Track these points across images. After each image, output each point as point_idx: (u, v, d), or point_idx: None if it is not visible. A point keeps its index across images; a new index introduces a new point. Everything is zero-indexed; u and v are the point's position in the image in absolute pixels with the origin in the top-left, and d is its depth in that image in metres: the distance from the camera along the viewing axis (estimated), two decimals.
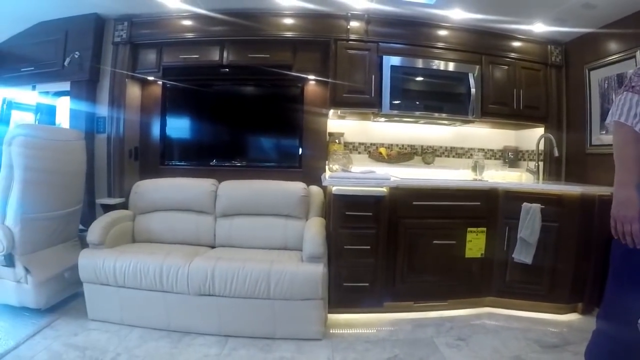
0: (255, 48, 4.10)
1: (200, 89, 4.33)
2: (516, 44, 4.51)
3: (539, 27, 4.25)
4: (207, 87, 4.34)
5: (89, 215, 3.93)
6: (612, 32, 3.99)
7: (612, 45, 3.96)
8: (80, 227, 3.74)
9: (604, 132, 3.99)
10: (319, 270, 3.08)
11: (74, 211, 3.62)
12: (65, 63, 4.02)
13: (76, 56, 4.02)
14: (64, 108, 4.29)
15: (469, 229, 3.73)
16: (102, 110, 4.17)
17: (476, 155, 4.90)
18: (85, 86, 4.08)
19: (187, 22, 4.09)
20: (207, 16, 4.02)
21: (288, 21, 4.09)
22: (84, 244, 3.39)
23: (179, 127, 4.47)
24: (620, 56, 3.87)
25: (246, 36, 4.07)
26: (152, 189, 3.89)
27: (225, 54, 4.10)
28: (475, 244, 3.68)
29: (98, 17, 4.10)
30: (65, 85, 4.14)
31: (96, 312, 3.21)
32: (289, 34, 4.08)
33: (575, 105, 4.48)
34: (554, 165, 4.63)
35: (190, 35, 4.09)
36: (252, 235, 3.75)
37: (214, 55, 4.10)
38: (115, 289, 3.14)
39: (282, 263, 3.15)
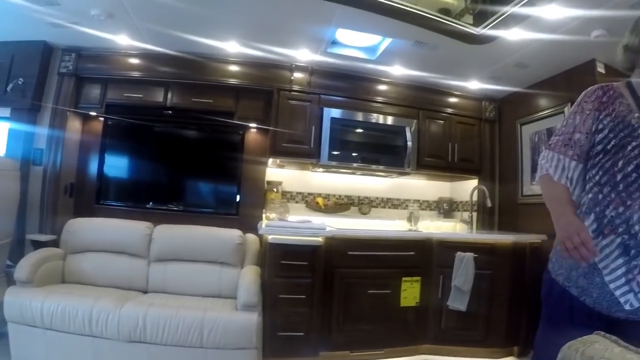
0: (199, 92, 4.32)
1: (141, 129, 4.46)
2: (452, 99, 5.09)
3: (475, 85, 4.84)
4: (149, 128, 4.48)
5: (17, 250, 3.88)
6: (542, 90, 4.60)
7: (543, 102, 4.56)
8: (8, 262, 3.70)
9: (534, 182, 4.44)
10: (254, 319, 3.23)
11: (2, 245, 3.58)
12: (8, 88, 4.02)
13: (20, 82, 4.03)
14: (1, 135, 4.24)
15: (404, 278, 4.00)
16: (41, 141, 4.16)
17: (412, 206, 5.34)
18: (26, 114, 4.10)
19: (135, 61, 4.27)
20: (155, 56, 4.21)
21: (233, 68, 4.36)
22: (10, 281, 3.39)
23: (118, 166, 4.53)
24: (550, 112, 4.41)
25: (191, 80, 4.28)
26: (85, 228, 3.94)
27: (169, 96, 4.31)
28: (411, 292, 3.97)
29: (46, 45, 4.16)
30: (6, 112, 4.13)
31: (21, 354, 3.16)
32: (233, 81, 4.35)
33: (507, 157, 4.96)
34: (487, 215, 5.13)
35: (136, 73, 4.25)
36: (187, 282, 3.87)
37: (158, 97, 4.29)
38: (42, 331, 3.12)
39: (216, 311, 3.28)
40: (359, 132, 4.64)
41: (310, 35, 3.87)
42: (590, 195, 1.63)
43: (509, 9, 3.28)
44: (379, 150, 4.67)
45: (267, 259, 3.73)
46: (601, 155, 1.64)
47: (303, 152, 4.37)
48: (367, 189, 5.17)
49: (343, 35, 3.99)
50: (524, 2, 3.16)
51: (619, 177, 1.57)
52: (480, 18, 3.56)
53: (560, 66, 4.17)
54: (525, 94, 4.76)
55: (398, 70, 4.57)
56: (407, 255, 4.03)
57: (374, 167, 4.64)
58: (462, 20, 3.63)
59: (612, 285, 1.53)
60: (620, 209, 1.54)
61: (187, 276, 3.90)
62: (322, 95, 4.49)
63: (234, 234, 4.05)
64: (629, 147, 1.58)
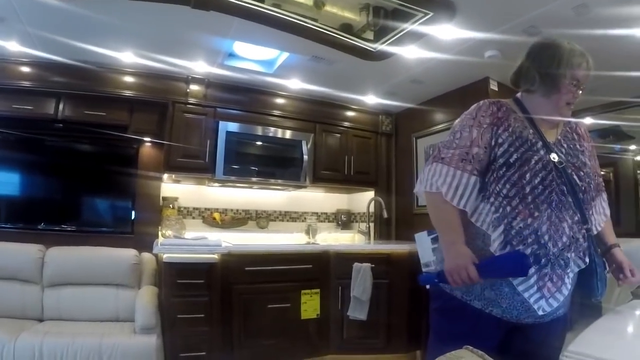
0: (92, 104, 4.29)
1: (32, 143, 4.33)
2: (350, 113, 5.60)
3: (372, 99, 5.36)
4: (39, 142, 4.37)
5: None
6: (438, 105, 5.16)
7: (438, 116, 5.15)
8: None
9: (416, 191, 4.77)
10: (152, 341, 3.36)
11: None
12: None
13: None
14: None
15: (303, 291, 4.31)
16: None
17: (310, 218, 5.76)
18: None
19: (25, 69, 4.17)
20: (46, 65, 4.15)
21: (128, 79, 4.43)
22: None
23: (6, 183, 4.37)
24: (444, 126, 4.98)
25: (84, 91, 4.25)
26: None
27: (60, 108, 4.22)
28: (311, 305, 4.20)
29: None
30: None
31: None
32: (127, 93, 4.41)
33: (403, 170, 5.41)
34: (384, 226, 5.67)
35: (26, 83, 4.16)
36: (83, 307, 3.86)
37: (49, 109, 4.20)
38: None
39: (113, 336, 3.37)
40: (255, 146, 4.96)
41: (207, 47, 4.03)
42: (497, 209, 1.71)
43: (406, 27, 3.64)
44: (276, 164, 5.02)
45: (163, 278, 3.88)
46: (505, 169, 1.73)
47: (198, 167, 4.55)
48: (265, 202, 5.46)
49: (240, 48, 4.27)
50: (421, 21, 3.52)
51: (527, 189, 1.68)
52: (380, 34, 3.79)
53: (455, 83, 4.71)
54: (421, 109, 5.28)
55: (295, 84, 4.95)
56: (305, 268, 4.34)
57: (271, 181, 5.00)
58: (364, 36, 3.84)
59: (526, 294, 1.64)
60: (529, 220, 1.65)
61: (83, 301, 3.88)
62: (218, 109, 4.73)
63: (129, 253, 4.09)
64: (533, 161, 1.71)
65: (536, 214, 1.66)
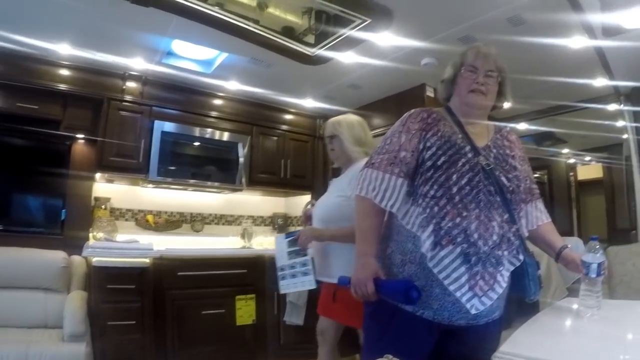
0: (24, 96, 4.16)
1: None
2: (287, 116, 5.77)
3: (310, 103, 5.54)
4: None
5: None
6: (375, 110, 5.36)
7: (375, 121, 5.33)
8: None
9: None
10: (82, 350, 3.32)
11: None
12: None
13: None
14: None
15: (237, 296, 4.42)
16: None
17: (245, 222, 5.85)
18: None
19: None
20: None
21: (63, 72, 4.33)
22: None
23: None
24: (381, 131, 5.07)
25: (17, 81, 4.10)
26: None
27: None
28: (246, 310, 4.28)
29: None
30: None
31: None
32: (62, 86, 4.31)
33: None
34: None
35: None
36: (9, 312, 3.69)
37: None
38: None
39: (41, 344, 3.29)
40: (191, 147, 5.02)
41: (145, 44, 4.05)
42: (425, 210, 1.76)
43: (344, 32, 3.82)
44: (212, 166, 5.10)
45: (92, 283, 3.86)
46: (432, 171, 1.80)
47: (132, 167, 4.53)
48: (200, 205, 5.50)
49: (179, 46, 4.32)
50: (359, 27, 3.70)
51: (454, 189, 1.75)
52: (321, 38, 3.93)
53: (392, 89, 4.94)
54: (358, 114, 5.37)
55: (234, 86, 5.05)
56: (240, 273, 4.46)
57: (207, 183, 5.06)
58: (305, 39, 3.98)
59: (458, 294, 1.68)
60: (457, 220, 1.71)
61: (9, 306, 3.72)
62: (154, 107, 4.73)
63: (58, 256, 3.96)
64: (460, 163, 1.80)
65: (464, 213, 1.72)
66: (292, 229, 5.93)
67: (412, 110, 2.03)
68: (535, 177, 7.70)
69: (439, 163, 1.81)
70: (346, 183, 2.76)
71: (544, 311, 2.21)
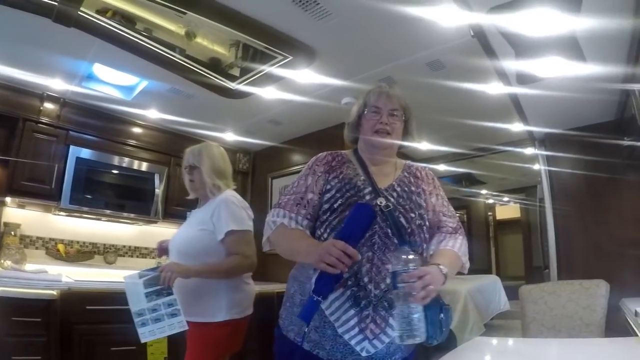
0: None
1: None
2: None
3: (230, 136, 5.68)
4: None
5: None
6: (295, 146, 5.61)
7: (295, 157, 5.44)
8: None
9: (266, 248, 5.14)
10: None
11: None
12: None
13: None
14: None
15: None
16: None
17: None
18: None
19: None
20: None
21: None
22: None
23: None
24: (300, 167, 5.27)
25: None
26: None
27: None
28: (157, 347, 4.20)
29: None
30: None
31: None
32: None
33: (258, 209, 5.55)
34: None
35: None
36: None
37: None
38: None
39: None
40: (106, 176, 4.98)
41: (65, 66, 4.08)
42: None
43: (264, 68, 4.01)
44: (127, 196, 5.08)
45: None
46: (328, 214, 1.87)
47: (43, 193, 4.44)
48: (114, 236, 5.43)
49: (101, 70, 4.35)
50: (281, 63, 3.90)
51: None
52: (245, 72, 4.08)
53: (313, 126, 5.13)
54: (279, 149, 5.68)
55: (154, 114, 5.12)
56: None
57: (122, 214, 5.04)
58: (231, 72, 4.12)
59: (346, 336, 1.72)
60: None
61: None
62: (70, 132, 4.68)
63: None
64: None
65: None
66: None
67: (320, 154, 2.11)
68: None
69: (335, 206, 1.88)
70: (208, 216, 2.75)
71: (461, 347, 2.37)
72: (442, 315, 1.77)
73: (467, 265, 2.01)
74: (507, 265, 11.68)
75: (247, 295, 2.95)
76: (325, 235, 1.86)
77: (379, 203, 1.86)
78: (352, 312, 1.74)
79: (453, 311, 6.65)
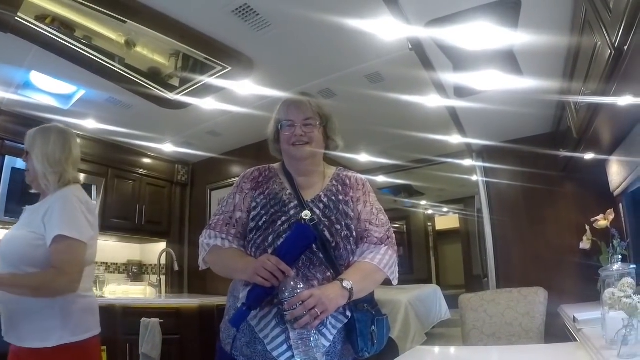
0: None
1: None
2: (146, 160, 5.89)
3: (169, 147, 5.72)
4: None
5: None
6: (234, 157, 5.66)
7: (234, 169, 5.51)
8: None
9: (202, 266, 5.16)
10: None
11: None
12: None
13: None
14: None
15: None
16: None
17: (98, 269, 5.64)
18: None
19: None
20: None
21: None
22: None
23: None
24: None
25: None
26: None
27: None
28: None
29: None
30: None
31: None
32: None
33: (197, 221, 5.71)
34: (176, 278, 5.94)
35: None
36: None
37: None
38: None
39: None
40: None
41: (1, 73, 3.97)
42: None
43: (203, 79, 4.04)
44: None
45: None
46: (254, 232, 1.86)
47: None
48: None
49: (37, 78, 4.28)
50: (219, 74, 3.94)
51: (269, 252, 1.76)
52: (185, 83, 4.11)
53: (252, 137, 5.20)
54: (218, 160, 5.72)
55: (91, 124, 5.07)
56: None
57: None
58: (171, 82, 4.12)
59: (275, 353, 1.69)
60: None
61: None
62: (6, 142, 4.60)
63: None
64: (279, 222, 1.83)
65: None
66: (147, 277, 5.93)
67: (248, 170, 2.11)
68: (395, 228, 8.19)
69: (260, 224, 1.86)
70: (40, 219, 2.16)
71: (403, 356, 2.43)
72: (373, 327, 1.79)
73: (395, 276, 1.92)
74: (447, 275, 11.92)
75: (87, 311, 2.27)
76: (251, 253, 1.85)
77: (303, 217, 1.84)
78: (278, 329, 1.71)
79: (393, 321, 6.77)
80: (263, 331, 1.73)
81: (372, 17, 3.04)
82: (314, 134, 1.96)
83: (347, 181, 2.04)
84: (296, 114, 1.97)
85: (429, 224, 12.24)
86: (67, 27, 3.46)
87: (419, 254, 11.71)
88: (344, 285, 1.69)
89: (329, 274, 1.78)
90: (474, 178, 5.67)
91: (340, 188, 2.00)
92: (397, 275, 1.92)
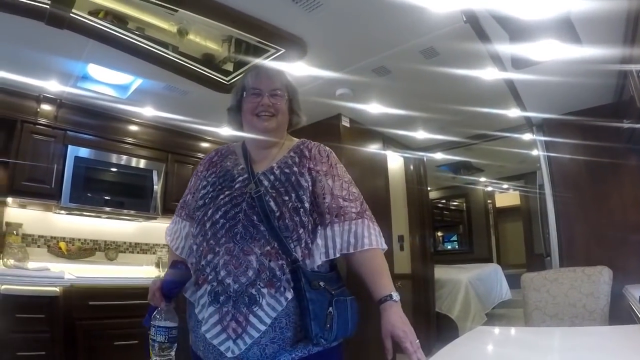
0: None
1: None
2: (204, 144, 5.96)
3: (226, 131, 5.71)
4: None
5: None
6: None
7: None
8: None
9: None
10: None
11: None
12: None
13: None
14: None
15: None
16: None
17: (160, 251, 5.88)
18: None
19: None
20: None
21: None
22: None
23: None
24: None
25: None
26: None
27: None
28: None
29: None
30: None
31: None
32: None
33: None
34: None
35: None
36: None
37: None
38: None
39: None
40: (105, 174, 5.06)
41: (60, 67, 4.14)
42: (190, 249, 1.86)
43: (257, 61, 3.99)
44: (127, 193, 5.16)
45: (0, 311, 3.77)
46: (199, 209, 1.85)
47: (44, 192, 4.50)
48: (114, 232, 5.49)
49: (95, 70, 4.43)
50: (273, 57, 3.92)
51: (207, 225, 1.76)
52: (239, 67, 4.10)
53: (308, 119, 4.99)
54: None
55: (149, 112, 5.20)
56: None
57: (122, 211, 5.13)
58: (225, 67, 4.14)
59: (208, 335, 1.65)
60: (209, 257, 1.71)
61: None
62: (68, 132, 4.74)
63: None
64: (221, 196, 1.81)
65: (217, 249, 1.70)
66: None
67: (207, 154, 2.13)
68: (454, 206, 8.16)
69: (206, 201, 1.84)
70: None
71: (463, 336, 2.39)
72: (330, 309, 1.64)
73: (385, 245, 1.83)
74: (508, 253, 11.66)
75: None
76: (194, 231, 1.86)
77: (248, 190, 1.79)
78: (211, 308, 1.66)
79: (453, 301, 6.70)
80: (201, 312, 1.71)
81: None
82: (280, 106, 1.92)
83: (307, 153, 1.93)
84: (266, 82, 1.92)
85: (489, 201, 11.97)
86: (119, 19, 3.55)
87: (479, 232, 11.49)
88: (395, 299, 1.66)
89: (268, 247, 1.67)
90: (535, 153, 5.52)
91: (297, 160, 1.90)
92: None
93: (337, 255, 1.75)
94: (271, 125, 1.90)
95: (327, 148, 2.02)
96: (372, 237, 1.78)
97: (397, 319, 1.62)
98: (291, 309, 1.65)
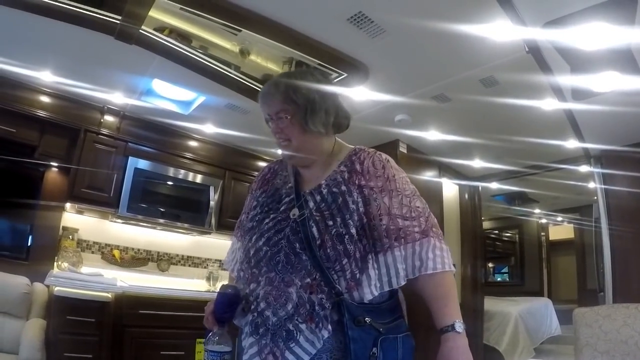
0: (2, 119, 4.20)
1: None
2: (261, 163, 5.91)
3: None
4: None
5: None
6: None
7: None
8: None
9: None
10: None
11: None
12: None
13: None
14: None
15: (198, 339, 4.17)
16: None
17: (212, 265, 5.86)
18: None
19: None
20: None
21: (43, 99, 4.42)
22: None
23: None
24: None
25: None
26: None
27: None
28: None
29: None
30: None
31: None
32: (41, 113, 4.38)
33: None
34: None
35: None
36: None
37: None
38: None
39: None
40: (162, 186, 5.15)
41: (126, 80, 4.25)
42: (238, 274, 1.74)
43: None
44: (182, 207, 5.22)
45: (52, 312, 3.88)
46: (248, 233, 1.72)
47: (102, 200, 4.60)
48: (168, 244, 5.54)
49: (159, 85, 4.51)
50: (335, 80, 3.88)
51: (251, 252, 1.64)
52: None
53: (367, 143, 4.81)
54: None
55: (210, 129, 5.26)
56: (202, 317, 4.34)
57: (177, 224, 5.18)
58: None
59: None
60: (252, 286, 1.60)
61: None
62: (129, 144, 4.85)
63: (21, 281, 3.97)
64: (266, 220, 1.65)
65: (259, 278, 1.58)
66: None
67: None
68: (507, 236, 7.99)
69: (254, 224, 1.69)
70: None
71: None
72: (374, 349, 1.43)
73: (454, 267, 1.59)
74: (559, 288, 11.25)
75: None
76: (240, 255, 1.77)
77: (291, 216, 1.60)
78: (251, 339, 1.53)
79: (502, 334, 6.55)
80: (244, 340, 1.58)
81: (487, 21, 2.94)
82: (288, 128, 1.66)
83: (358, 166, 1.67)
84: (266, 108, 1.71)
85: (542, 233, 11.67)
86: (184, 38, 3.60)
87: (531, 265, 11.13)
88: (457, 329, 1.47)
89: (308, 280, 1.49)
90: (591, 185, 5.38)
91: (346, 175, 1.65)
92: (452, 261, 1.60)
93: (401, 284, 1.53)
94: (289, 151, 1.68)
95: (384, 156, 1.73)
96: (437, 259, 1.53)
97: (455, 356, 1.45)
98: (334, 345, 1.47)
